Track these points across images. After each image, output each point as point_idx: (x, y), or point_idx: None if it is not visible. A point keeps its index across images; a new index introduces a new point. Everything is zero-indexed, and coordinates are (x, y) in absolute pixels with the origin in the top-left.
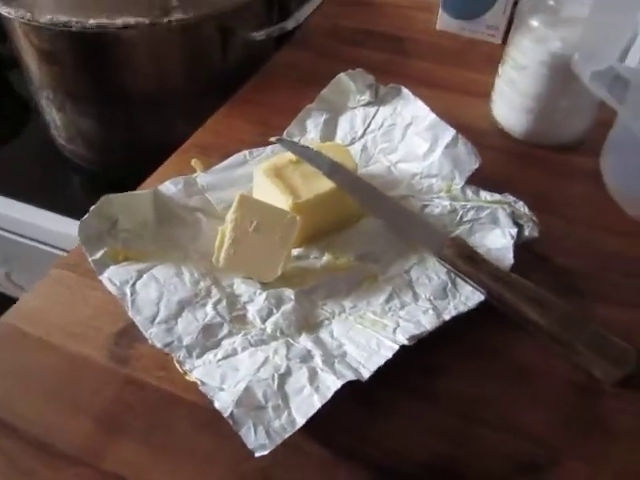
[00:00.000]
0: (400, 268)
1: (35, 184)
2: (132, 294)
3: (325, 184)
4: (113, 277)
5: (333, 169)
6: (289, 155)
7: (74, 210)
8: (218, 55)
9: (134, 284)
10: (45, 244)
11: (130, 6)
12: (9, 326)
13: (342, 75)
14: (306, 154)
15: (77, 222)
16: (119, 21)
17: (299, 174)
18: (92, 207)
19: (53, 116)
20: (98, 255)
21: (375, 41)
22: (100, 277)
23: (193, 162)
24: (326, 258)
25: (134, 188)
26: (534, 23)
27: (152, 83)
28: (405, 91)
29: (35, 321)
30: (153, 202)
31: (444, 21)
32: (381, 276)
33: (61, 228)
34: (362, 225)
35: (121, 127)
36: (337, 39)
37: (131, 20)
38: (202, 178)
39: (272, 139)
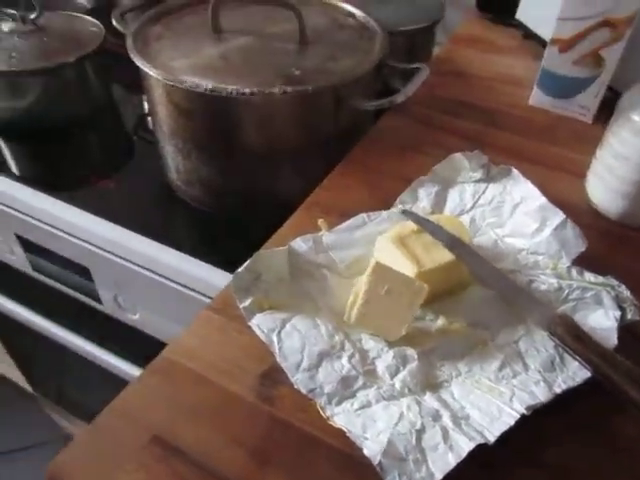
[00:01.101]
0: (509, 337)
1: (147, 217)
2: (279, 342)
3: (444, 255)
4: (261, 324)
5: (452, 242)
6: (410, 224)
7: (182, 243)
8: (329, 120)
9: (279, 332)
10: (153, 272)
11: (258, 74)
12: (171, 361)
13: (457, 154)
14: (428, 226)
15: (184, 255)
16: (247, 90)
17: (421, 243)
18: (246, 263)
19: (177, 161)
20: (247, 303)
21: (469, 112)
22: (249, 323)
23: (320, 222)
24: (441, 321)
25: (243, 231)
26: (635, 117)
27: (268, 141)
28: (515, 172)
29: (192, 357)
30: (288, 258)
31: (537, 97)
32: (491, 343)
33: (168, 259)
34: (472, 292)
35: (238, 177)
36: (434, 108)
37: (257, 89)
38: (327, 237)
39: (398, 209)
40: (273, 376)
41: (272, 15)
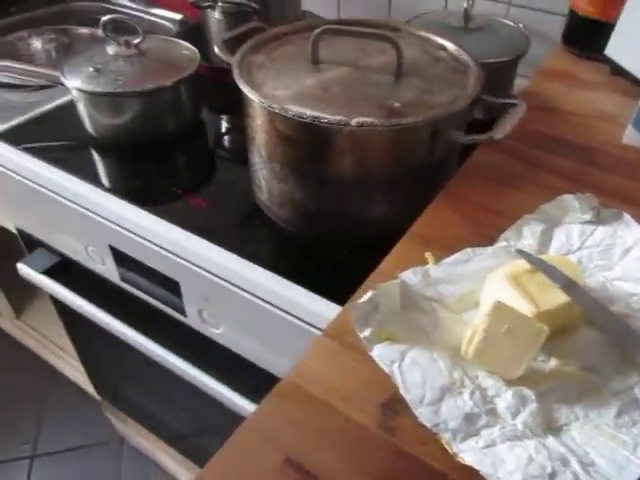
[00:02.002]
0: (623, 384)
1: (237, 235)
2: (400, 374)
3: (560, 296)
4: (382, 355)
5: (568, 283)
6: (522, 263)
7: (270, 262)
8: (424, 152)
9: (400, 364)
10: (240, 288)
11: (358, 105)
12: (296, 385)
13: (568, 195)
14: (543, 266)
15: (271, 274)
16: (354, 121)
17: (535, 283)
18: (367, 294)
19: (272, 184)
20: (367, 333)
21: (563, 148)
22: (370, 353)
23: (427, 255)
24: (553, 363)
25: (331, 255)
26: None
27: (363, 170)
28: (627, 217)
29: (314, 382)
30: (400, 290)
31: (631, 136)
32: (605, 389)
33: (257, 277)
34: (584, 334)
35: (331, 202)
36: (527, 143)
37: (361, 119)
38: (434, 271)
39: (503, 246)
40: (393, 406)
41: (366, 47)
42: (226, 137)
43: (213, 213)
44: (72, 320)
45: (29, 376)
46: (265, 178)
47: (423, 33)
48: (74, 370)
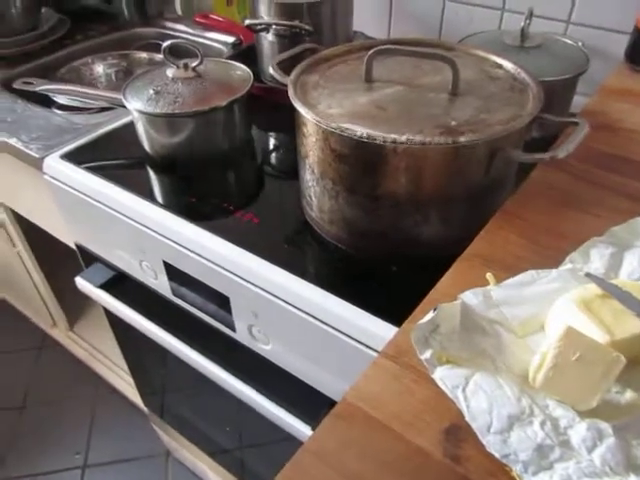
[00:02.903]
0: None
1: (287, 251)
2: (465, 399)
3: (635, 324)
4: (445, 379)
5: None
6: (593, 288)
7: (319, 279)
8: (481, 171)
9: (464, 389)
10: (292, 305)
11: (414, 123)
12: (354, 407)
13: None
14: (616, 292)
15: (322, 291)
16: (412, 141)
17: (608, 309)
18: (429, 315)
19: (323, 201)
20: (427, 355)
21: (628, 168)
22: (433, 376)
23: (488, 276)
24: (629, 395)
25: (381, 273)
26: None
27: (417, 188)
28: None
29: (373, 405)
30: (460, 311)
31: None
32: None
33: (308, 294)
34: None
35: (383, 221)
36: (590, 163)
37: (417, 138)
38: (496, 292)
39: (568, 269)
40: (457, 433)
41: (420, 66)
42: (275, 154)
43: (263, 229)
44: (124, 333)
45: (80, 386)
46: (316, 195)
47: (479, 52)
48: (123, 382)
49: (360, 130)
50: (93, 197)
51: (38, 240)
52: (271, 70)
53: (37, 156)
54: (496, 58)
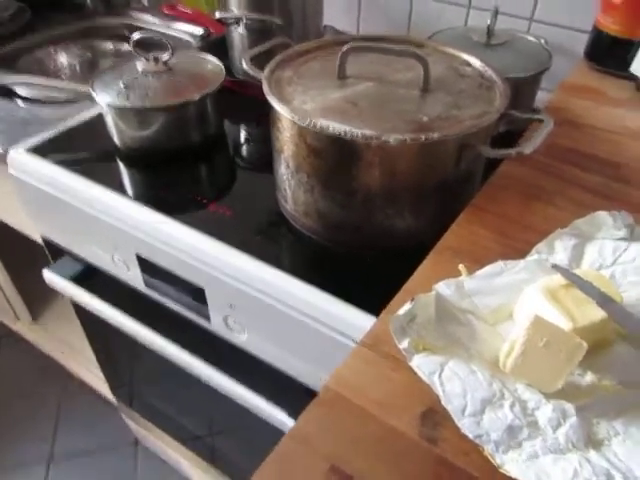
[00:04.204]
0: None
1: (262, 243)
2: (441, 385)
3: (597, 312)
4: (421, 366)
5: (604, 299)
6: (557, 278)
7: (294, 269)
8: (451, 165)
9: (440, 375)
10: (267, 295)
11: (386, 119)
12: (335, 393)
13: (602, 212)
14: (578, 282)
15: (296, 281)
16: (386, 137)
17: (571, 298)
18: (406, 306)
19: (298, 194)
20: (405, 344)
21: (591, 164)
22: (410, 364)
23: (460, 267)
24: (589, 377)
25: (354, 263)
26: None
27: (389, 182)
28: None
29: (354, 391)
30: (435, 302)
31: None
32: None
33: (282, 283)
34: (620, 349)
35: (356, 213)
36: (555, 158)
37: (392, 136)
38: (468, 283)
39: (535, 259)
40: (433, 417)
41: (392, 63)
42: (247, 147)
43: (237, 221)
44: (93, 325)
45: (45, 379)
46: (291, 188)
47: (448, 49)
48: (89, 373)
49: (333, 126)
50: (62, 191)
51: None
52: (244, 65)
53: (0, 150)
54: (465, 56)
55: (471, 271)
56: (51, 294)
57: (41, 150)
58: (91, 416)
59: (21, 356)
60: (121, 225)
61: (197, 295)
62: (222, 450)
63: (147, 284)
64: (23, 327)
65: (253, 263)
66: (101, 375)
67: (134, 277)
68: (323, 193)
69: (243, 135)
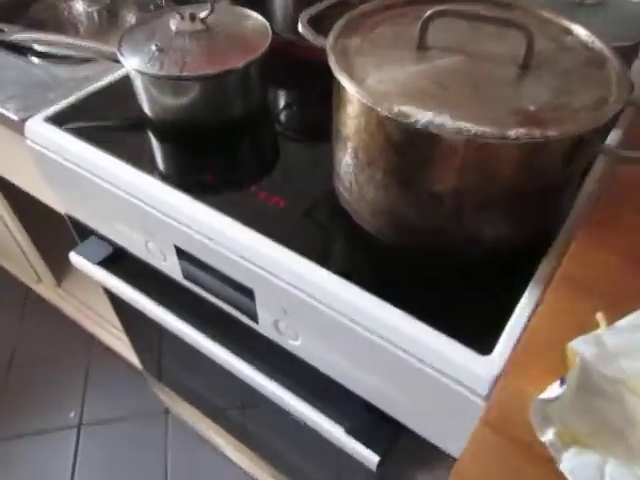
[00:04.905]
0: None
1: (318, 240)
2: None
3: None
4: (575, 472)
5: None
6: None
7: (357, 274)
8: (561, 165)
9: None
10: (323, 304)
11: (486, 108)
12: None
13: None
14: None
15: (357, 288)
16: (499, 132)
17: None
18: (557, 390)
19: (366, 190)
20: (550, 436)
21: None
22: (561, 468)
23: (598, 316)
24: None
25: (429, 272)
26: None
27: (485, 184)
28: None
29: None
30: (579, 369)
31: None
32: None
33: (344, 292)
34: None
35: (440, 217)
36: None
37: (496, 130)
38: (609, 338)
39: None
40: None
41: (479, 28)
42: (295, 121)
43: (291, 214)
44: (123, 307)
45: (71, 344)
46: (358, 182)
47: (543, 12)
48: (117, 340)
49: (424, 117)
50: (86, 169)
51: (17, 194)
52: (301, 28)
53: (16, 118)
54: (565, 22)
55: (609, 319)
56: None
57: (62, 119)
58: (119, 383)
59: (46, 320)
60: (155, 212)
61: (245, 295)
62: (254, 429)
63: (186, 276)
64: (47, 290)
65: (311, 267)
66: (129, 343)
67: (171, 267)
68: (400, 193)
69: (290, 106)
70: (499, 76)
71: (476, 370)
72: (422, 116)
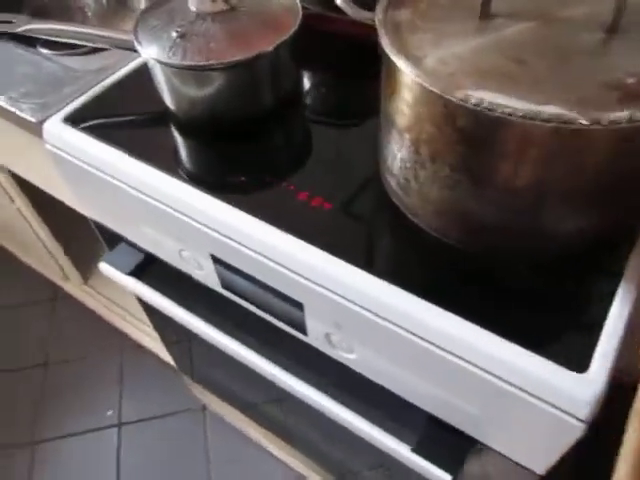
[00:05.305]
0: None
1: (372, 245)
2: None
3: None
4: None
5: None
6: None
7: (419, 283)
8: None
9: None
10: (382, 318)
11: (577, 85)
12: None
13: None
14: None
15: (421, 301)
16: (574, 114)
17: None
18: None
19: (429, 189)
20: None
21: None
22: None
23: None
24: None
25: (501, 273)
26: None
27: (578, 177)
28: None
29: None
30: None
31: None
32: None
33: (403, 304)
34: None
35: (519, 215)
36: None
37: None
38: None
39: None
40: None
41: None
42: (333, 107)
43: (339, 218)
44: (156, 314)
45: (102, 342)
46: (419, 180)
47: None
48: (148, 337)
49: (507, 103)
50: (110, 173)
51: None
52: (339, 1)
53: (33, 120)
54: None
55: None
56: (99, 251)
57: (80, 118)
58: (154, 380)
59: (76, 318)
60: (188, 219)
61: (292, 307)
62: (297, 427)
63: (225, 286)
64: (74, 288)
65: (366, 278)
66: (158, 337)
67: (208, 276)
68: (474, 191)
69: (325, 90)
70: (583, 44)
71: (572, 391)
72: (503, 102)
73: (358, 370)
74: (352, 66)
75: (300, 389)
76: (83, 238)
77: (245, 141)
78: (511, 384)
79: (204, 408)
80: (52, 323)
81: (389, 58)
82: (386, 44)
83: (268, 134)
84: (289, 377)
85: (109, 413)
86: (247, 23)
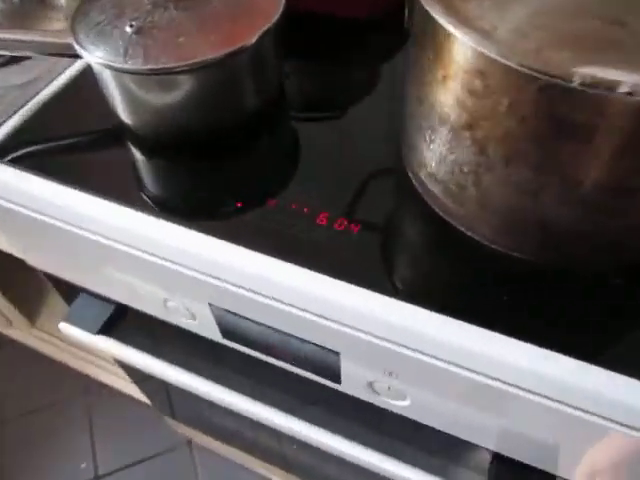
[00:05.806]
0: None
1: (419, 271)
2: None
3: None
4: None
5: None
6: None
7: (479, 311)
8: None
9: None
10: (436, 358)
11: None
12: None
13: None
14: None
15: (485, 331)
16: None
17: None
18: None
19: (495, 195)
20: None
21: None
22: None
23: None
24: None
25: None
26: None
27: None
28: None
29: None
30: None
31: None
32: None
33: (470, 343)
34: None
35: (613, 220)
36: None
37: None
38: None
39: None
40: None
41: None
42: (324, 99)
43: (370, 242)
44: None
45: (64, 388)
46: (482, 187)
47: None
48: (112, 375)
49: (627, 79)
50: (57, 216)
51: None
52: None
53: None
54: None
55: None
56: (46, 291)
57: (9, 148)
58: (128, 421)
59: (28, 365)
60: (172, 266)
61: (325, 356)
62: (295, 457)
63: (227, 336)
64: (22, 334)
65: (425, 316)
66: (128, 378)
67: (203, 327)
68: (565, 196)
69: (321, 83)
70: None
71: None
72: (617, 78)
73: (410, 417)
74: (335, 50)
75: (316, 436)
76: (24, 275)
77: (229, 155)
78: (615, 421)
79: (189, 442)
80: (3, 374)
81: (445, 33)
82: (439, 13)
83: (255, 143)
84: (301, 424)
85: (83, 466)
86: (219, 9)
